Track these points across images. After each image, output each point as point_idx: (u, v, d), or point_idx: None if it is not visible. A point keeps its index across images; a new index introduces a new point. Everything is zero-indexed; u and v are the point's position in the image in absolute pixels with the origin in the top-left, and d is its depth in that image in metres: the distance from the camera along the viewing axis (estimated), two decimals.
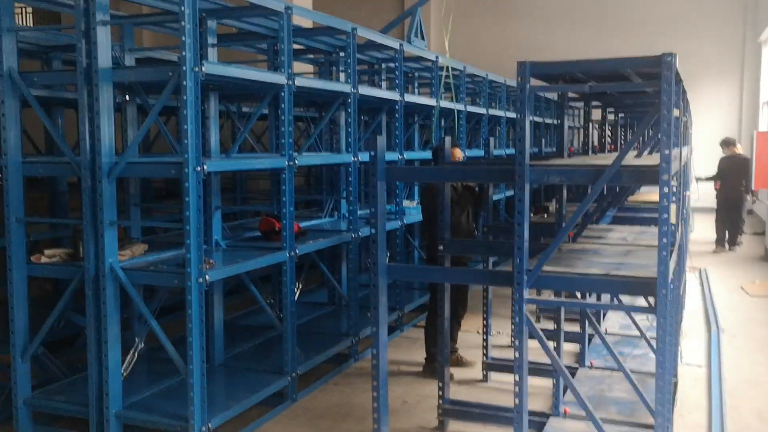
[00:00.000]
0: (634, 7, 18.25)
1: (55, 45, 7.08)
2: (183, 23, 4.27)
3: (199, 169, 4.38)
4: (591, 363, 5.79)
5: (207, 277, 4.50)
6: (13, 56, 4.83)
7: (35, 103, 4.84)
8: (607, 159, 4.68)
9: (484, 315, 6.06)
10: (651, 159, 4.91)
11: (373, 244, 3.86)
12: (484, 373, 6.06)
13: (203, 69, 4.35)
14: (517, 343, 3.71)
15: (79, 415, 4.90)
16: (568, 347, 6.89)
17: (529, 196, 3.62)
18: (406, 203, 7.75)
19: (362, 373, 6.35)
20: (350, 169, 6.49)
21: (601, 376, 5.56)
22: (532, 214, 6.22)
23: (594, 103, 6.09)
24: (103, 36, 4.53)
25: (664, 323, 3.45)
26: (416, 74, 9.69)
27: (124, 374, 4.92)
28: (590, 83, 3.88)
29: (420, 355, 6.77)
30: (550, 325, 7.55)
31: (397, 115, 7.38)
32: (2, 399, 5.26)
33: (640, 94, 5.79)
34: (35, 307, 5.15)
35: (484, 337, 6.07)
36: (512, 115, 11.83)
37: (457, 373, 6.16)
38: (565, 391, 4.98)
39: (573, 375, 5.40)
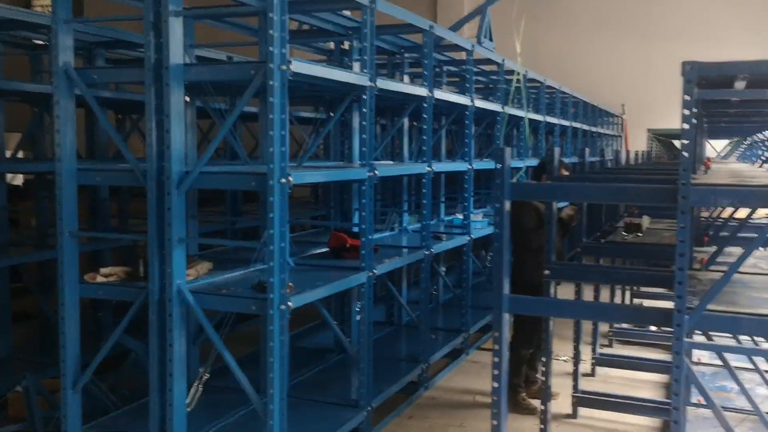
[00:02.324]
0: (669, 15, 17.46)
1: (100, 41, 6.59)
2: (271, 15, 3.74)
3: (284, 180, 3.84)
4: (698, 400, 5.20)
5: (290, 303, 3.95)
6: (69, 51, 4.31)
7: (95, 104, 4.32)
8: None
9: (575, 344, 5.49)
10: None
11: (496, 273, 3.30)
12: (574, 407, 5.48)
13: (291, 67, 3.81)
14: (675, 395, 3.13)
15: None
16: (647, 376, 6.31)
17: (691, 220, 3.05)
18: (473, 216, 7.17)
19: (436, 404, 5.78)
20: (424, 180, 5.92)
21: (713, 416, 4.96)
22: (624, 233, 5.66)
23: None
24: (176, 29, 4.01)
25: None
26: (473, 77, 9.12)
27: (189, 409, 4.37)
28: None
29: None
30: (624, 351, 7.02)
31: (467, 122, 6.84)
32: None
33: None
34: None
35: (574, 368, 5.49)
36: (566, 123, 11.27)
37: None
38: None
39: None
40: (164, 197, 4.05)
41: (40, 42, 7.18)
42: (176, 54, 4.01)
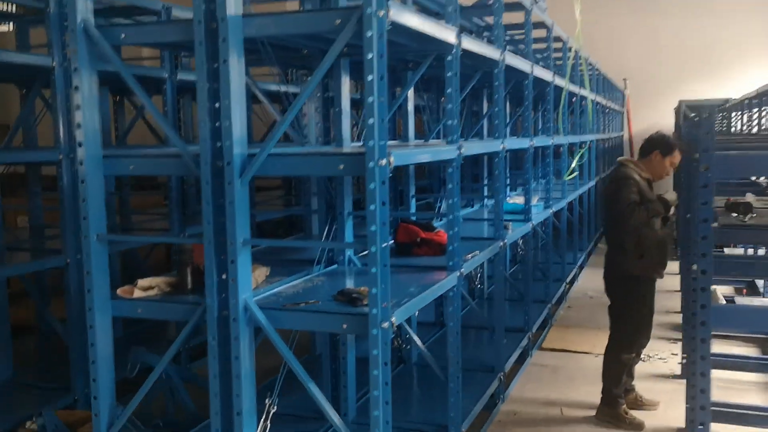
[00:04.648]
0: None
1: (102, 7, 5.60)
2: None
3: (384, 162, 2.96)
4: None
5: (393, 319, 3.09)
6: (87, 4, 3.38)
7: (129, 75, 3.38)
8: None
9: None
10: None
11: (701, 277, 2.47)
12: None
13: (390, 15, 2.93)
14: None
15: None
16: (747, 377, 5.57)
17: None
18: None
19: (520, 421, 4.96)
20: (497, 159, 5.07)
21: None
22: (735, 215, 4.88)
23: None
24: None
25: None
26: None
27: None
28: None
29: (573, 390, 5.43)
30: (723, 348, 6.10)
31: (526, 92, 6.01)
32: None
33: None
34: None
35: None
36: (592, 96, 10.49)
37: (644, 417, 4.82)
38: None
39: None
40: (225, 188, 3.15)
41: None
42: (233, 3, 3.11)
